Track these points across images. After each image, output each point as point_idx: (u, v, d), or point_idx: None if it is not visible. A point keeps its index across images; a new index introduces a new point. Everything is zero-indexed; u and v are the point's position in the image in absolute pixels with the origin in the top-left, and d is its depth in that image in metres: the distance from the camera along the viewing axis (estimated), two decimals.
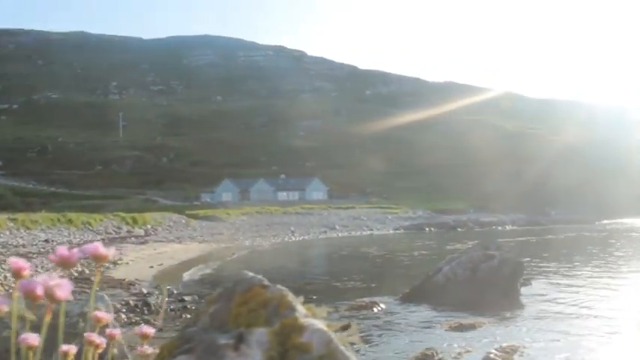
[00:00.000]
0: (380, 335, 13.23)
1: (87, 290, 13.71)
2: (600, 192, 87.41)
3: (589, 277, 22.31)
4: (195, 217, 61.51)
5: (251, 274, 2.00)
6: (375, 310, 16.15)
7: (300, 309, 1.81)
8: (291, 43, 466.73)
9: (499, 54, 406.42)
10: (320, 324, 1.73)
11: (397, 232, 61.23)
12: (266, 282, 1.95)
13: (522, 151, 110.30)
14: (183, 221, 57.81)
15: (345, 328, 1.85)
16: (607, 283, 20.55)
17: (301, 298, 1.89)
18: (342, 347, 1.70)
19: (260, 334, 1.66)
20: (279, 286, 1.92)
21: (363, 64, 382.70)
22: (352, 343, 1.82)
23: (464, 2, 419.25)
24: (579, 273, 23.72)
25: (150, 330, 2.18)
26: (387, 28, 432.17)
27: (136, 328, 2.19)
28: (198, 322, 1.83)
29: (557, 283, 20.60)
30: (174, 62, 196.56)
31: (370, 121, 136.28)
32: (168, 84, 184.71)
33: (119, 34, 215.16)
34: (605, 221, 73.91)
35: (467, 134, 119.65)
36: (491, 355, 10.91)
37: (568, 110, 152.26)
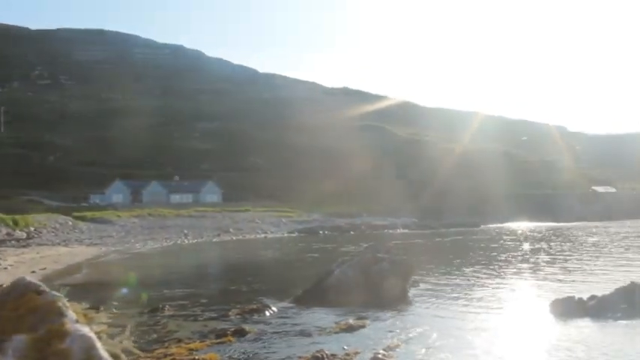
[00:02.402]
0: (271, 338, 13.19)
1: None
2: (487, 197, 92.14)
3: (473, 278, 23.41)
4: (84, 219, 58.98)
5: (29, 279, 1.89)
6: (267, 313, 16.10)
7: (71, 315, 1.72)
8: (189, 42, 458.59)
9: (396, 62, 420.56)
10: (86, 330, 1.65)
11: (291, 235, 61.51)
12: (43, 288, 1.84)
13: (415, 158, 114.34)
14: (70, 223, 55.25)
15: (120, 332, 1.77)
16: (489, 283, 21.64)
17: (85, 304, 1.79)
18: (104, 353, 1.63)
19: (18, 341, 1.56)
20: (54, 293, 1.82)
21: (263, 67, 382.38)
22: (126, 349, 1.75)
23: (362, 9, 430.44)
24: (464, 274, 24.83)
25: None
26: (287, 32, 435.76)
27: None
28: None
29: (445, 284, 21.43)
30: (64, 56, 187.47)
31: (267, 124, 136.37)
32: (57, 79, 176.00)
33: (3, 21, 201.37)
34: (491, 225, 78.06)
35: (361, 140, 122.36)
36: (379, 355, 11.16)
37: (462, 119, 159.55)
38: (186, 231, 56.35)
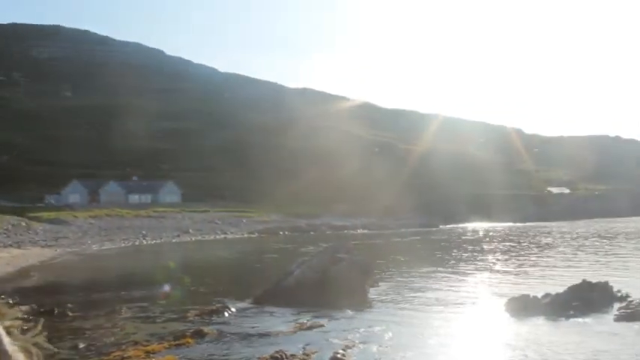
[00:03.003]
0: (230, 339, 13.12)
1: None
2: (446, 198, 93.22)
3: (431, 277, 23.68)
4: (39, 219, 57.54)
5: None
6: (226, 313, 16.02)
7: None
8: (149, 41, 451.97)
9: (358, 64, 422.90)
10: None
11: (251, 235, 61.23)
12: None
13: (375, 158, 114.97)
14: (24, 224, 53.84)
15: (31, 328, 1.77)
16: (446, 282, 21.93)
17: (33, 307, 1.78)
18: (9, 348, 1.62)
19: None
20: None
21: (223, 67, 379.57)
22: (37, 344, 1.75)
23: (323, 11, 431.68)
24: (422, 273, 25.09)
25: None
26: (248, 31, 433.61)
27: None
28: None
29: (403, 284, 21.63)
30: (18, 52, 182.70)
31: (228, 124, 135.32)
32: (10, 75, 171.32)
33: None
34: (449, 225, 79.11)
35: (321, 141, 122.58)
36: (338, 355, 11.23)
37: (422, 121, 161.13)
38: (144, 232, 55.54)
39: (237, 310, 16.48)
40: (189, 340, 12.77)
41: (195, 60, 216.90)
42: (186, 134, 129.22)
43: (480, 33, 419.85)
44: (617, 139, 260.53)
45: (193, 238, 55.20)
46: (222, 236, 58.92)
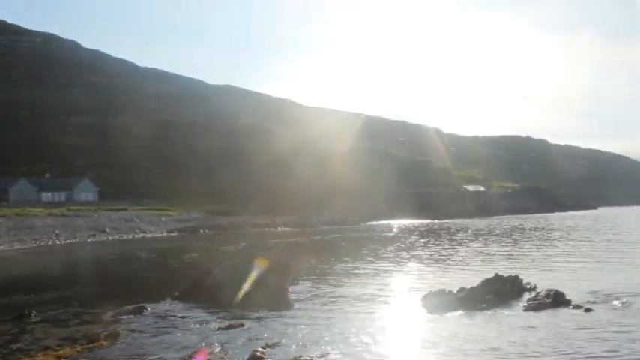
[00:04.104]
0: (146, 340, 12.76)
1: None
2: (369, 196, 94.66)
3: (351, 274, 23.95)
4: None
5: None
6: (144, 314, 15.60)
7: None
8: (63, 32, 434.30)
9: (281, 61, 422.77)
10: None
11: (171, 234, 60.06)
12: None
13: (298, 156, 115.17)
14: None
15: None
16: (366, 279, 22.23)
17: None
18: None
19: None
20: None
21: (143, 61, 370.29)
22: None
23: (247, 6, 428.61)
24: (342, 271, 25.35)
25: None
26: (168, 26, 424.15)
27: None
28: None
29: (324, 281, 21.76)
30: None
31: (148, 120, 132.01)
32: None
33: None
34: (371, 222, 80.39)
35: (244, 138, 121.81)
36: (257, 353, 11.15)
37: (345, 120, 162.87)
38: (57, 231, 53.28)
39: (154, 310, 16.08)
40: (103, 343, 12.33)
41: (114, 53, 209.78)
42: (103, 130, 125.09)
43: (401, 36, 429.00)
44: (528, 139, 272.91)
45: (110, 238, 53.56)
46: (141, 235, 57.47)
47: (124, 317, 15.19)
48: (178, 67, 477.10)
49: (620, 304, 15.66)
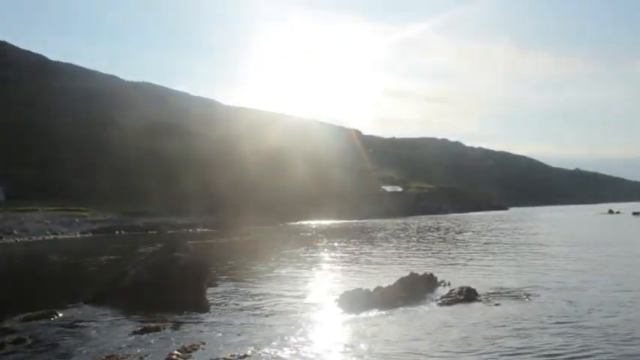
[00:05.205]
0: (55, 346, 12.28)
1: None
2: (288, 197, 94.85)
3: (268, 275, 23.94)
4: None
5: None
6: (53, 319, 14.99)
7: None
8: None
9: (200, 61, 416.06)
10: None
11: (85, 235, 58.09)
12: None
13: (217, 156, 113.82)
14: None
15: None
16: (284, 280, 22.27)
17: None
18: None
19: None
20: None
21: (54, 55, 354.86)
22: None
23: (167, 5, 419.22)
24: (260, 272, 25.30)
25: None
26: (87, 20, 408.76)
27: None
28: None
29: (242, 283, 21.63)
30: None
31: (60, 116, 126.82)
32: None
33: None
34: (289, 223, 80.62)
35: (161, 136, 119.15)
36: (173, 357, 10.95)
37: (265, 120, 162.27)
38: None
39: (65, 314, 15.49)
40: (8, 351, 11.76)
41: (22, 46, 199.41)
42: (10, 126, 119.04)
43: (315, 39, 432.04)
44: (444, 141, 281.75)
45: (18, 240, 51.16)
46: (52, 237, 55.24)
47: (32, 323, 14.55)
48: (93, 63, 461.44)
49: (526, 299, 16.46)
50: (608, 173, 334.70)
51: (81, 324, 14.45)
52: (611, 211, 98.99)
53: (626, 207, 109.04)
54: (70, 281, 24.65)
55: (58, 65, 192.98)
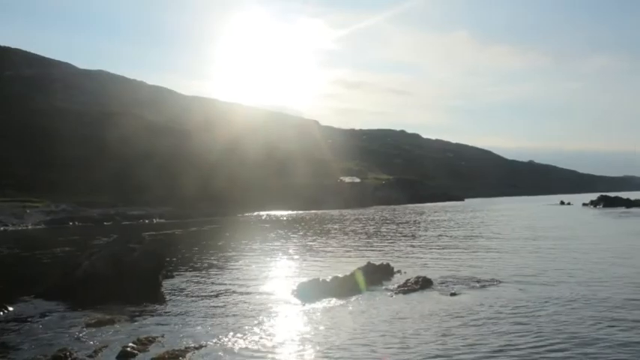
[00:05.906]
0: (8, 340, 11.99)
1: None
2: (246, 187, 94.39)
3: (224, 266, 23.83)
4: None
5: None
6: (3, 313, 14.62)
7: None
8: None
9: (154, 49, 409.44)
10: None
11: (37, 227, 56.69)
12: None
13: (171, 146, 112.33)
14: None
15: None
16: (241, 270, 22.21)
17: None
18: None
19: None
20: None
21: (2, 40, 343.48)
22: None
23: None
24: (219, 263, 25.16)
25: None
26: (38, 5, 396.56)
27: None
28: None
29: (199, 274, 21.48)
30: None
31: (10, 105, 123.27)
32: None
33: None
34: (247, 214, 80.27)
35: (115, 126, 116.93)
36: (128, 349, 10.82)
37: (223, 110, 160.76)
38: None
39: (16, 309, 15.12)
40: None
41: None
42: None
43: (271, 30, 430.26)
44: (401, 133, 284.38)
45: None
46: (2, 228, 53.77)
47: None
48: (45, 49, 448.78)
49: (481, 288, 16.80)
50: (560, 166, 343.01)
51: (32, 318, 14.14)
52: (562, 203, 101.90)
53: (577, 198, 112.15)
54: (21, 274, 24.06)
55: (6, 51, 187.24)
